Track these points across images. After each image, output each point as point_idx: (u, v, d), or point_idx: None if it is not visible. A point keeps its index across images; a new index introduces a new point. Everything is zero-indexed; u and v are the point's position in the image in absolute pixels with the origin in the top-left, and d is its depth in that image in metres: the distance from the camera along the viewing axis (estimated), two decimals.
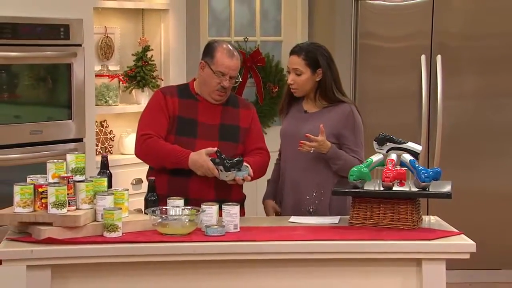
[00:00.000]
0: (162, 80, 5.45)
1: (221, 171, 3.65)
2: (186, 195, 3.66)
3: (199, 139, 3.78)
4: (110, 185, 3.57)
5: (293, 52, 3.93)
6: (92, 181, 3.42)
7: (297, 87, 3.92)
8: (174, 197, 3.56)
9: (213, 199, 3.64)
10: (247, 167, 3.71)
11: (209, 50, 3.83)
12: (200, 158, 3.67)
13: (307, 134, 3.79)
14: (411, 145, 3.63)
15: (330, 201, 3.88)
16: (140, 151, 3.81)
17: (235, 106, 3.91)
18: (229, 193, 3.80)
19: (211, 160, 3.66)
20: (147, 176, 3.92)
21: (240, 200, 3.85)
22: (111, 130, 5.40)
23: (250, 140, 3.89)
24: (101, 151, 5.26)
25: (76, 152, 3.47)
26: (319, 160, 3.87)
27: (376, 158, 3.63)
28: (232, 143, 3.82)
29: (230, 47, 3.84)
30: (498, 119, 5.72)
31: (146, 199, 3.61)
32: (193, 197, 3.67)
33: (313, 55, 3.90)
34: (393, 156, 3.58)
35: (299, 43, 4.06)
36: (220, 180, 3.72)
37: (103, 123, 5.36)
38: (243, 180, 3.71)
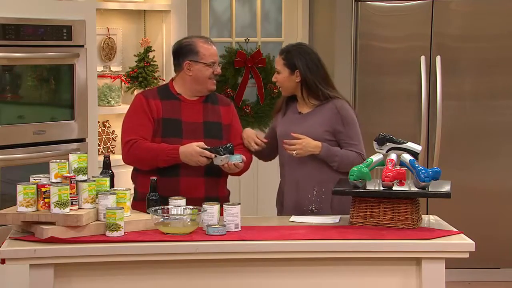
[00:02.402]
0: (164, 80, 5.48)
1: (216, 156, 3.71)
2: (177, 194, 3.68)
3: (185, 138, 3.82)
4: (112, 185, 3.59)
5: (279, 52, 4.03)
6: (94, 180, 3.44)
7: (279, 85, 4.03)
8: (176, 197, 3.59)
9: (203, 197, 3.70)
10: (240, 154, 3.78)
11: (188, 49, 3.88)
12: (190, 147, 3.72)
13: (284, 140, 3.86)
14: (410, 145, 3.65)
15: (332, 199, 3.90)
16: (128, 158, 3.82)
17: (215, 103, 3.97)
18: (217, 190, 3.86)
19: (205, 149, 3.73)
20: (132, 178, 3.94)
21: (226, 196, 3.92)
22: (113, 130, 5.42)
23: (232, 136, 3.95)
24: (103, 151, 5.28)
25: (79, 152, 3.49)
26: (318, 158, 3.90)
27: (376, 158, 3.65)
28: (217, 140, 3.86)
29: (203, 37, 4.01)
30: (497, 119, 5.73)
31: (148, 199, 3.62)
32: (183, 196, 3.67)
33: (291, 56, 3.96)
34: (393, 156, 3.60)
35: (289, 44, 4.14)
36: (209, 178, 3.79)
37: (105, 123, 5.38)
38: (234, 165, 3.75)
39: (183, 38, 4.03)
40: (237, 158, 3.75)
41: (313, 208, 3.91)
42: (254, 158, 4.07)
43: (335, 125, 3.92)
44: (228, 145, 3.75)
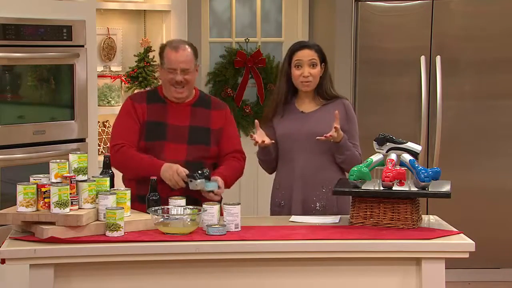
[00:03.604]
0: None
1: (191, 181, 3.67)
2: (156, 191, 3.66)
3: (168, 141, 3.82)
4: (112, 185, 3.59)
5: (305, 46, 3.98)
6: (94, 180, 3.44)
7: (312, 80, 3.95)
8: (176, 197, 3.59)
9: (181, 194, 3.65)
10: (216, 180, 3.71)
11: (160, 50, 3.89)
12: (172, 164, 3.69)
13: (335, 126, 3.79)
14: (410, 145, 3.65)
15: (338, 197, 3.91)
16: (114, 162, 3.80)
17: (207, 107, 3.92)
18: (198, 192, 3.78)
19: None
20: (122, 180, 3.93)
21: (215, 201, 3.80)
22: None
23: (224, 143, 3.90)
24: (103, 151, 5.29)
25: (79, 152, 3.48)
26: (327, 156, 3.92)
27: (376, 158, 3.65)
28: (202, 145, 3.84)
29: (177, 41, 3.93)
30: (497, 120, 5.74)
31: (148, 199, 3.62)
32: (162, 195, 3.65)
33: (321, 49, 3.99)
34: (393, 156, 3.60)
35: (301, 41, 4.14)
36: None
37: (105, 123, 5.39)
38: (214, 193, 3.71)
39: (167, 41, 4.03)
40: (213, 185, 3.69)
41: (321, 205, 3.92)
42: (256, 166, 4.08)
43: (342, 124, 3.93)
44: (205, 170, 3.68)
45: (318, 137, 3.83)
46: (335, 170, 3.95)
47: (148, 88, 4.14)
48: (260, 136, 3.89)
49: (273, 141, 3.92)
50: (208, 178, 3.68)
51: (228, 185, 3.84)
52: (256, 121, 3.93)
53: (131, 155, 3.78)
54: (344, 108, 3.98)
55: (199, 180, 3.67)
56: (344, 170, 3.94)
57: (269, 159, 4.02)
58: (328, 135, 3.81)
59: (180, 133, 3.84)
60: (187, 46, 3.85)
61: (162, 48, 3.89)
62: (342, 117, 3.94)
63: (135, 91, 5.37)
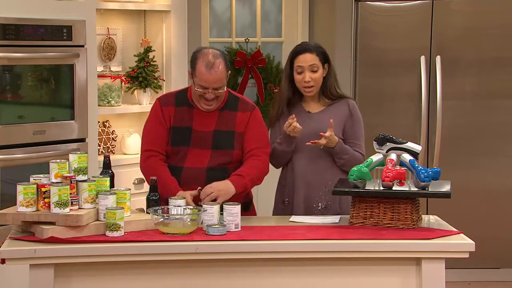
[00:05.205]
0: (164, 80, 5.48)
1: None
2: None
3: (192, 147, 3.80)
4: (112, 185, 3.59)
5: (305, 50, 3.96)
6: (94, 180, 3.44)
7: (314, 84, 3.95)
8: (176, 197, 3.60)
9: None
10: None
11: (193, 60, 3.75)
12: (184, 194, 3.68)
13: (321, 133, 3.82)
14: (410, 145, 3.65)
15: (340, 197, 3.92)
16: (142, 168, 3.87)
17: (233, 110, 3.84)
18: None
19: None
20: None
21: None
22: (113, 130, 5.43)
23: (245, 143, 3.83)
24: (104, 151, 5.29)
25: (79, 152, 3.48)
26: (331, 157, 3.93)
27: (376, 158, 3.65)
28: (225, 150, 3.80)
29: (211, 57, 3.69)
30: (497, 120, 5.74)
31: (147, 199, 3.63)
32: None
33: (323, 50, 3.98)
34: (393, 156, 3.60)
35: (302, 43, 4.12)
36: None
37: (105, 123, 5.38)
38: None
39: (201, 47, 3.84)
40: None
41: (323, 205, 3.92)
42: None
43: (347, 124, 3.95)
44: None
45: (307, 143, 3.85)
46: (338, 171, 3.95)
47: (178, 89, 4.02)
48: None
49: (301, 128, 3.85)
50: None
51: (247, 186, 3.78)
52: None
53: (156, 172, 3.73)
54: (349, 108, 3.98)
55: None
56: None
57: (290, 150, 3.95)
58: (311, 142, 3.82)
59: (204, 138, 3.80)
60: (220, 62, 3.69)
61: (195, 57, 3.73)
62: (345, 117, 3.95)
63: (135, 91, 5.39)
